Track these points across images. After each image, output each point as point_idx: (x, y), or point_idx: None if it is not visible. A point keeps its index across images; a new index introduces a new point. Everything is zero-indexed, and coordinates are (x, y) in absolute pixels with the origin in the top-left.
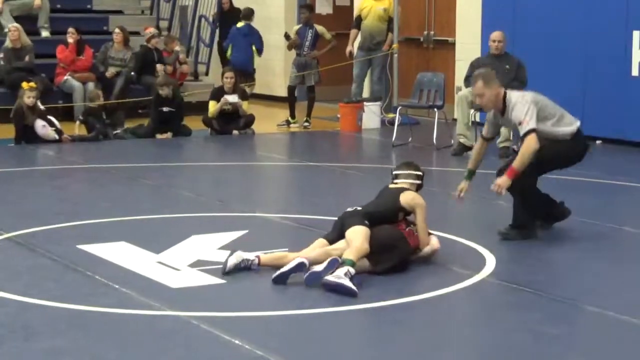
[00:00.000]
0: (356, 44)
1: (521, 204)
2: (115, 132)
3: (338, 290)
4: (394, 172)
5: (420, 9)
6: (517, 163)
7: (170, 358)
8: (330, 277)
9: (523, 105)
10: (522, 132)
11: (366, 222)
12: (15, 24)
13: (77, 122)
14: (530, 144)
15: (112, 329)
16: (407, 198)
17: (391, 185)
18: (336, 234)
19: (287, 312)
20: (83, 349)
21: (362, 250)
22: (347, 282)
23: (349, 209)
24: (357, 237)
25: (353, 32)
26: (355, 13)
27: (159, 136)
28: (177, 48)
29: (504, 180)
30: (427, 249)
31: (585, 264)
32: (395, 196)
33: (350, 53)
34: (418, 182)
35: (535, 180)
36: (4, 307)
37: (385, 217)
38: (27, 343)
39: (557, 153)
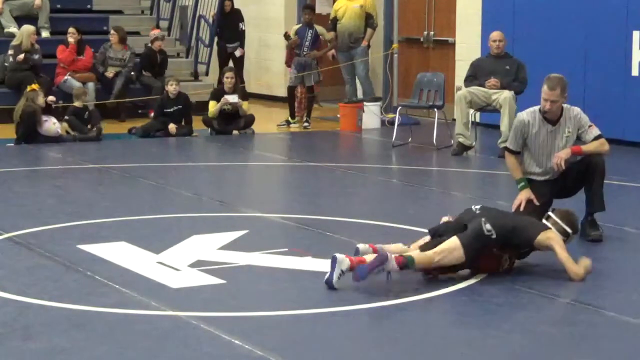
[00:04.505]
0: None
1: (597, 185)
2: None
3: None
4: (549, 213)
5: (420, 9)
6: (588, 148)
7: (170, 358)
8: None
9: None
10: (595, 133)
11: (474, 254)
12: (31, 27)
13: (64, 123)
14: (607, 144)
15: (112, 329)
16: (543, 238)
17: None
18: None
19: (287, 312)
20: (83, 349)
21: (432, 265)
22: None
23: (486, 229)
24: (444, 259)
25: (331, 34)
26: (331, 15)
27: (171, 126)
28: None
29: (565, 152)
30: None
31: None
32: (536, 233)
33: (333, 56)
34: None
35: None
36: (4, 307)
37: (514, 247)
38: (27, 343)
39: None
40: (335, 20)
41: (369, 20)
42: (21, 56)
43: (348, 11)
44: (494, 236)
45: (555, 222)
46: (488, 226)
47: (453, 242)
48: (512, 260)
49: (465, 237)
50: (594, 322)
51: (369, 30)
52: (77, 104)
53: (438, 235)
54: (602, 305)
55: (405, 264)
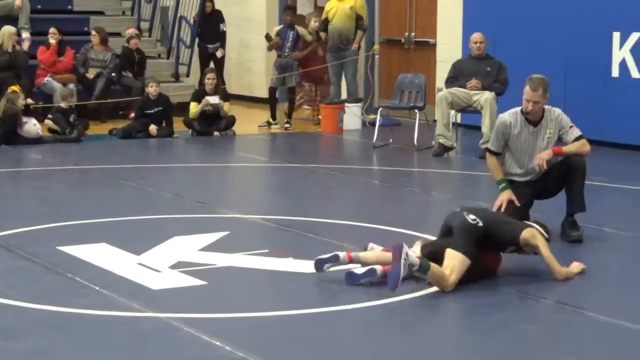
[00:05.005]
0: None
1: (578, 185)
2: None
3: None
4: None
5: (401, 10)
6: (569, 149)
7: (151, 359)
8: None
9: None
10: (576, 134)
11: (473, 250)
12: (12, 27)
13: (48, 120)
14: (587, 145)
15: (92, 331)
16: (528, 235)
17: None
18: (442, 234)
19: (268, 313)
20: (63, 351)
21: (448, 285)
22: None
23: (470, 219)
24: (455, 272)
25: (322, 35)
26: (322, 16)
27: (152, 128)
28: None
29: (546, 153)
30: (575, 270)
31: (563, 263)
32: (521, 228)
33: (322, 55)
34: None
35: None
36: None
37: (500, 243)
38: (7, 344)
39: None
40: (326, 20)
41: (359, 22)
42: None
43: (339, 12)
44: (480, 224)
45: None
46: (472, 216)
47: (450, 255)
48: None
49: (455, 241)
50: (573, 322)
51: (359, 32)
52: (63, 104)
53: (433, 251)
54: (581, 305)
55: (423, 268)
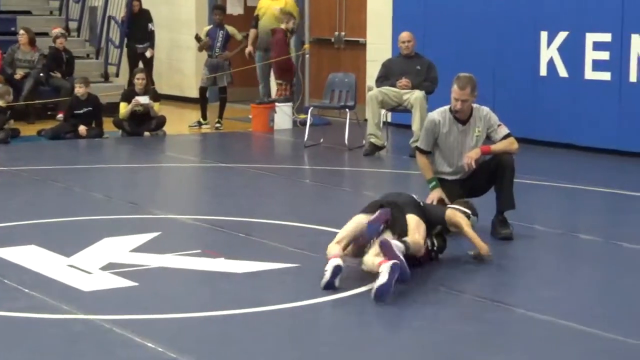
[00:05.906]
0: None
1: (507, 183)
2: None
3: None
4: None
5: (331, 9)
6: (497, 147)
7: None
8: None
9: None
10: (503, 132)
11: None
12: None
13: None
14: (516, 143)
15: (22, 334)
16: (450, 213)
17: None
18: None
19: (200, 313)
20: None
21: (418, 246)
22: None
23: (415, 197)
24: (421, 234)
25: (252, 32)
26: (255, 13)
27: (81, 128)
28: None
29: (475, 152)
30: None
31: (495, 262)
32: (444, 210)
33: (250, 54)
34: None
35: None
36: None
37: (429, 221)
38: None
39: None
40: (257, 18)
41: None
42: None
43: (268, 12)
44: (422, 204)
45: (455, 208)
46: (416, 196)
47: (414, 219)
48: (434, 248)
49: (414, 211)
50: (503, 319)
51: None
52: (1, 103)
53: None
54: (512, 302)
55: (407, 247)
